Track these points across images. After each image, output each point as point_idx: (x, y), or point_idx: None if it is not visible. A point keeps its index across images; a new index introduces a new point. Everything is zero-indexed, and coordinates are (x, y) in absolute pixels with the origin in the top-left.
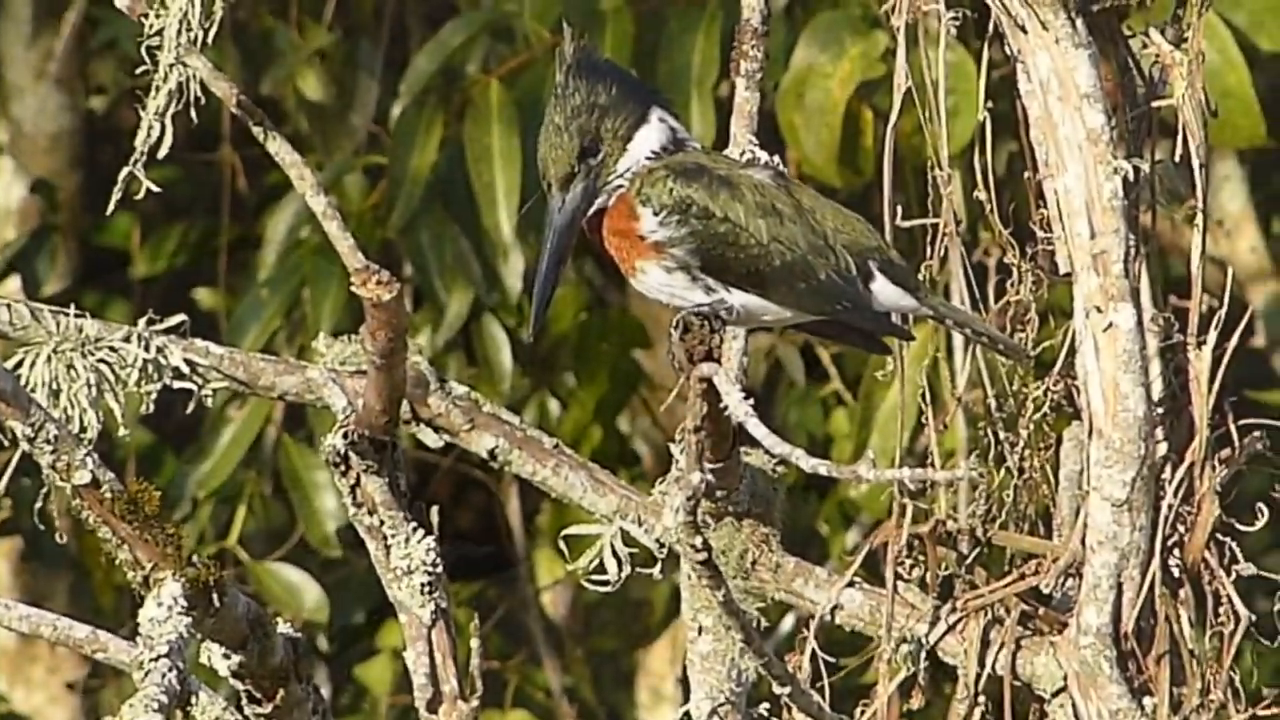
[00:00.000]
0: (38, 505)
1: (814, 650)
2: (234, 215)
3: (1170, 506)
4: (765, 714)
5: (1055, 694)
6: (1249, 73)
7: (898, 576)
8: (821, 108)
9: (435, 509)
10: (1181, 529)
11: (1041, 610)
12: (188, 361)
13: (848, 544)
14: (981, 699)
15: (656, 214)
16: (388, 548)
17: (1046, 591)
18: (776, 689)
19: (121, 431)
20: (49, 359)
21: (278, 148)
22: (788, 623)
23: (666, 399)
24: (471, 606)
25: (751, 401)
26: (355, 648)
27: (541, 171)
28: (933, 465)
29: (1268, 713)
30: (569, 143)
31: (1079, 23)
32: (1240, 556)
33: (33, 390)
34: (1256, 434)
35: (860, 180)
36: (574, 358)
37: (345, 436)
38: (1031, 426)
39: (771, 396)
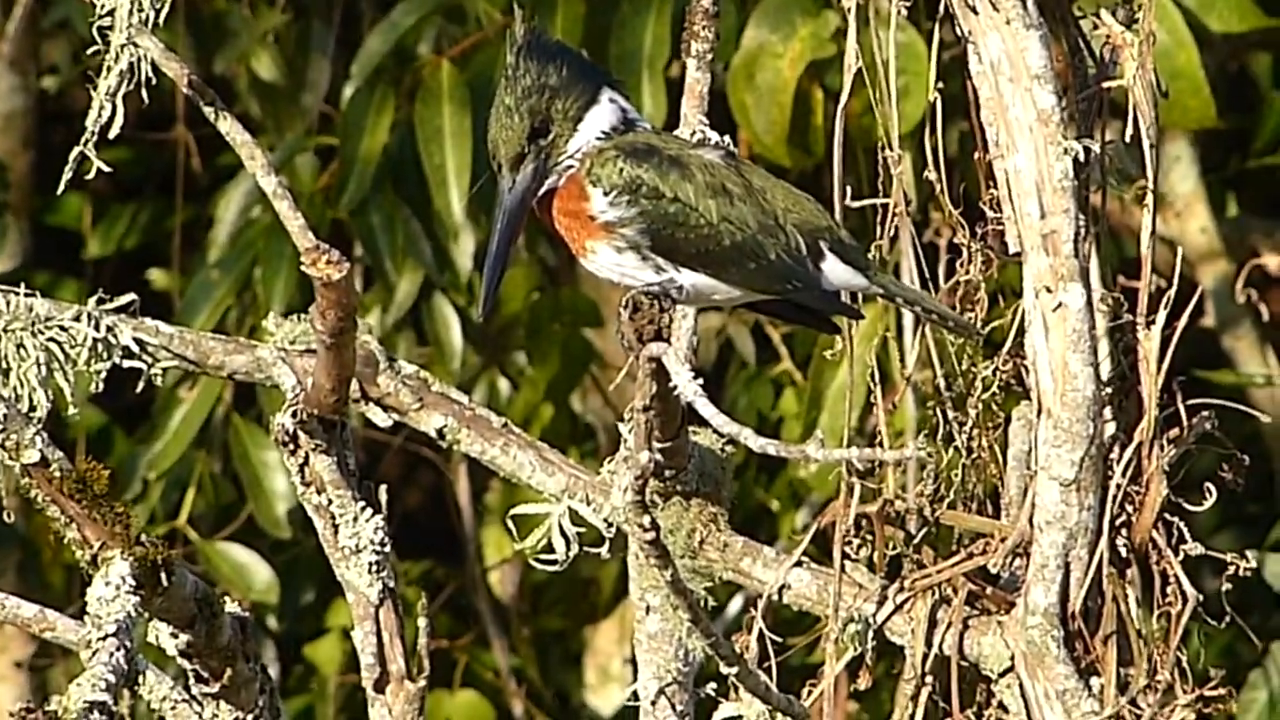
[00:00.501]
0: None
1: (761, 630)
2: (187, 195)
3: (1118, 486)
4: (713, 693)
5: (1002, 674)
6: (1199, 54)
7: (845, 556)
8: (772, 87)
9: (384, 488)
10: (1130, 509)
11: (989, 590)
12: (137, 340)
13: (797, 524)
14: (929, 679)
15: (606, 194)
16: (336, 527)
17: (994, 571)
18: (724, 668)
19: (71, 410)
20: None
21: (229, 128)
22: (735, 603)
23: (617, 378)
24: (419, 585)
25: (700, 381)
26: (304, 627)
27: (492, 152)
28: (881, 445)
29: (1214, 693)
30: (519, 123)
31: (1030, 3)
32: (1188, 536)
33: None
34: (1205, 414)
35: (811, 160)
36: (525, 337)
37: (294, 415)
38: (980, 406)
39: (722, 376)
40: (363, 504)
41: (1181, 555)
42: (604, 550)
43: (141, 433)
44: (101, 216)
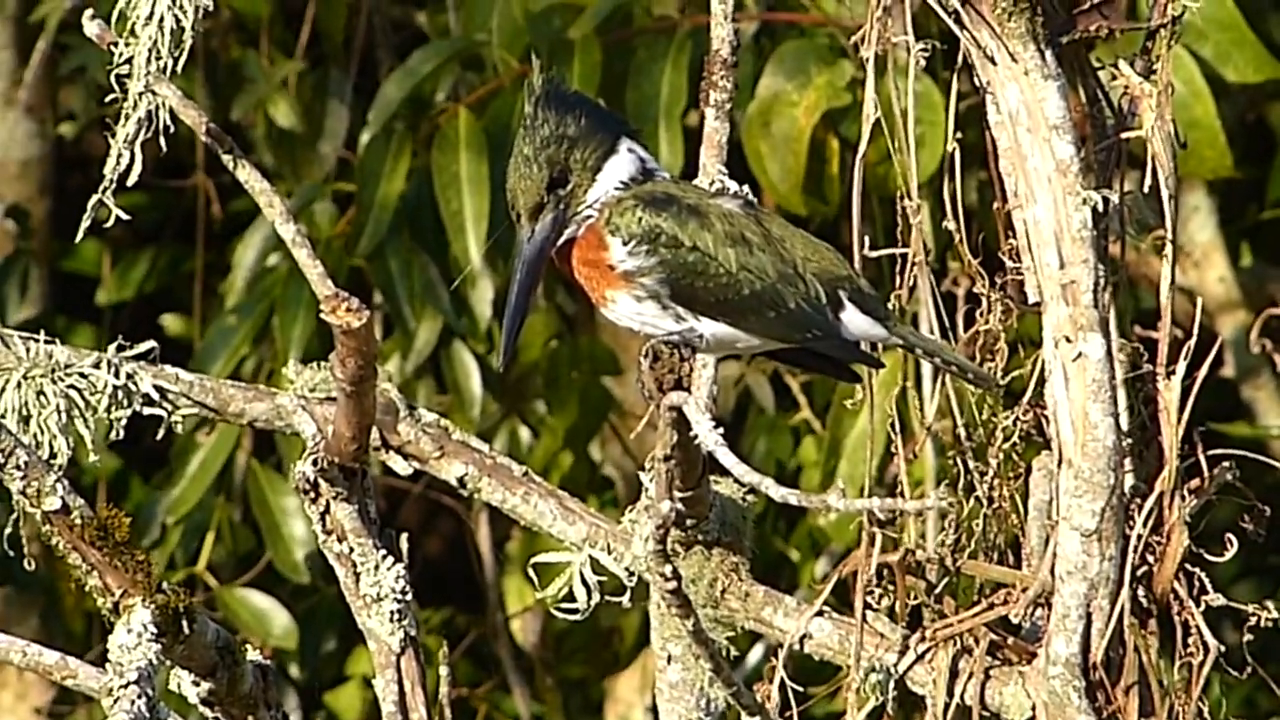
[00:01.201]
0: (8, 531)
1: (783, 679)
2: (204, 242)
3: (1139, 536)
4: None
5: None
6: (1216, 104)
7: (867, 606)
8: (787, 136)
9: (405, 536)
10: (1151, 559)
11: (1010, 640)
12: (157, 388)
13: (817, 572)
14: None
15: (625, 244)
16: (357, 575)
17: (1015, 621)
18: (746, 718)
19: (91, 457)
20: (19, 385)
21: (247, 175)
22: (757, 652)
23: (637, 427)
24: (441, 634)
25: (721, 430)
26: (324, 674)
27: (510, 202)
28: (902, 494)
29: None
30: (538, 173)
31: (1048, 54)
32: (1209, 587)
33: (2, 416)
34: (1226, 464)
35: (826, 209)
36: (544, 385)
37: (315, 463)
38: (1001, 456)
39: (740, 425)
40: (384, 552)
41: (1203, 606)
42: (625, 599)
43: (159, 478)
44: (118, 262)
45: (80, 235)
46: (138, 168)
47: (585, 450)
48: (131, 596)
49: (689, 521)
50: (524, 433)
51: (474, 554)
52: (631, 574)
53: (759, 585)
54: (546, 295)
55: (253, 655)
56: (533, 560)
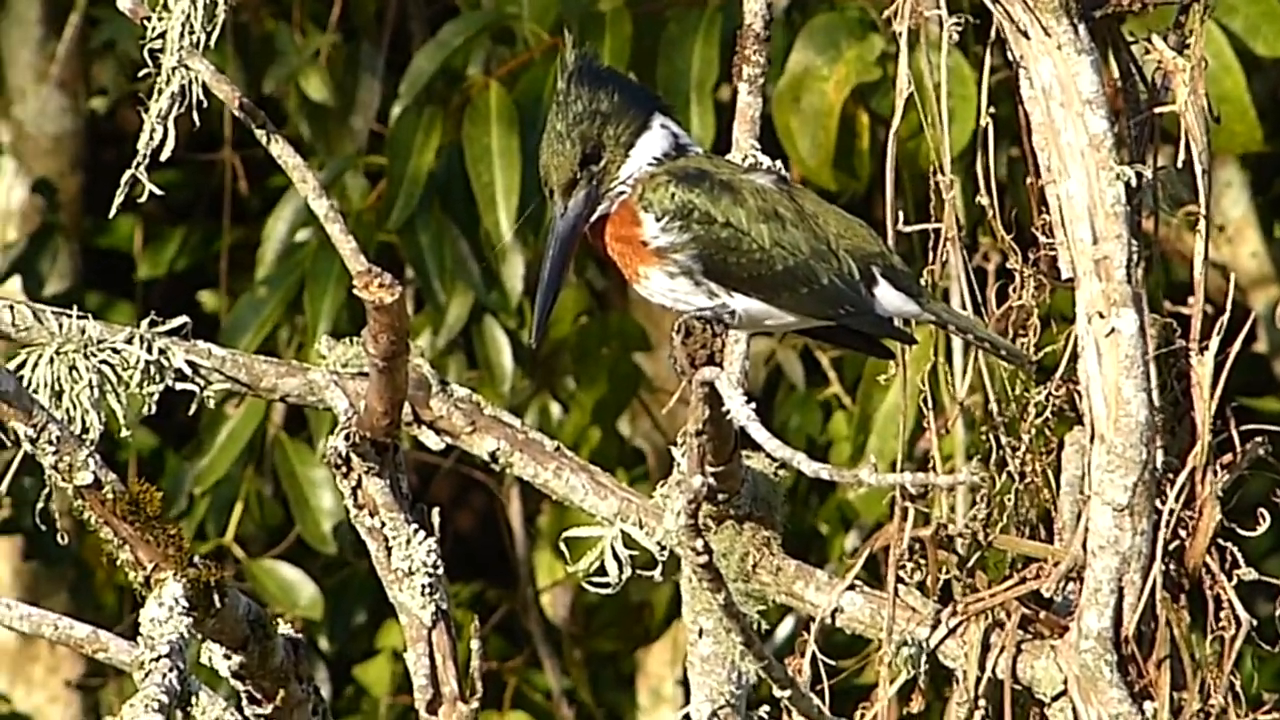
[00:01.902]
0: (39, 505)
1: (814, 653)
2: (236, 217)
3: (1172, 511)
4: (765, 716)
5: (1055, 698)
6: (1246, 78)
7: (898, 580)
8: (817, 111)
9: (436, 510)
10: (1183, 534)
11: (1042, 614)
12: (190, 363)
13: (847, 546)
14: (981, 703)
15: (659, 220)
16: (389, 549)
17: (1047, 595)
18: (776, 692)
19: (123, 433)
20: (51, 360)
21: (280, 150)
22: (787, 625)
23: (667, 402)
24: (471, 608)
25: (753, 405)
26: (354, 648)
27: (544, 179)
28: (933, 469)
29: (1268, 717)
30: (571, 150)
31: (1081, 29)
32: (1241, 561)
33: (35, 391)
34: (1258, 439)
35: (856, 184)
36: (573, 360)
37: (347, 439)
38: (1033, 431)
39: (771, 400)
40: (415, 526)
41: (1235, 580)
42: (657, 573)
43: (188, 449)
44: (151, 238)
45: (114, 211)
46: (170, 143)
47: (614, 425)
48: (163, 570)
49: (720, 496)
50: (555, 408)
51: (505, 529)
52: (663, 548)
53: (790, 559)
54: (577, 271)
55: (284, 628)
56: (564, 535)
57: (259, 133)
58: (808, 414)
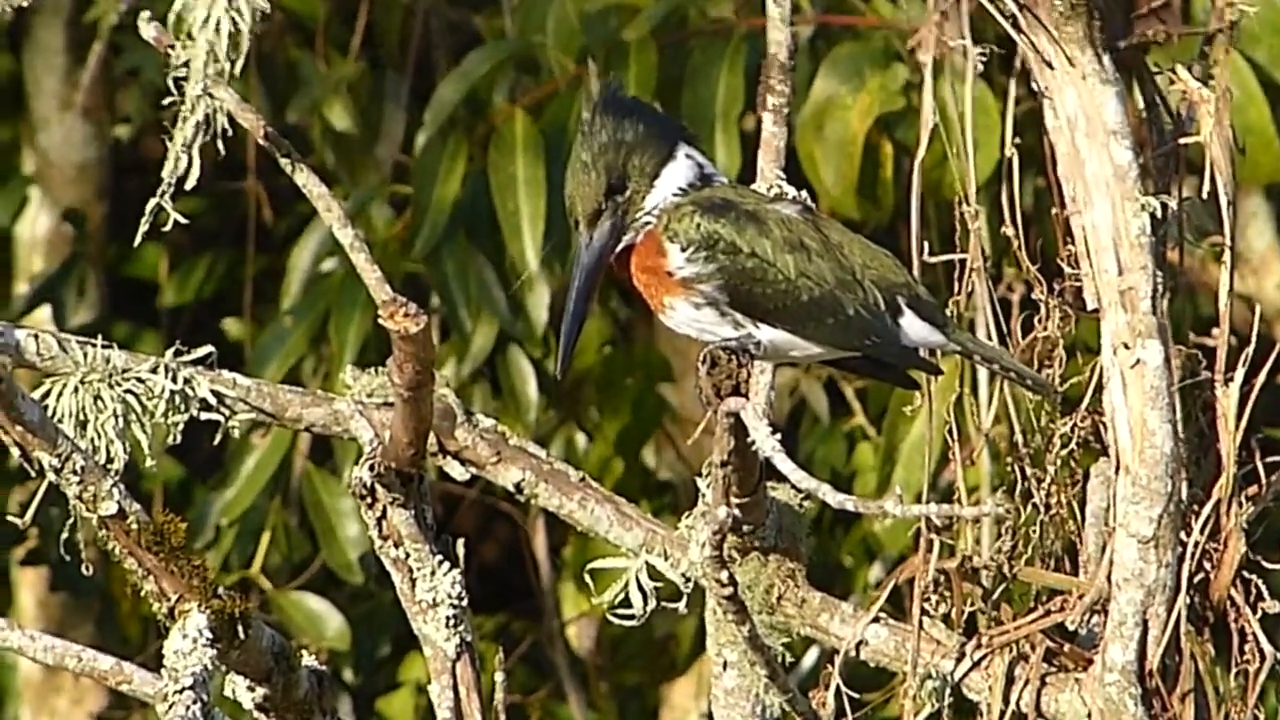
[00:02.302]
0: (64, 536)
1: (839, 686)
2: (260, 246)
3: (1196, 543)
4: None
5: None
6: (1270, 109)
7: (923, 612)
8: (840, 140)
9: (461, 541)
10: (1207, 566)
11: (1066, 647)
12: (215, 393)
13: (871, 579)
14: None
15: (684, 250)
16: (413, 580)
17: (1072, 628)
18: None
19: (148, 463)
20: (76, 389)
21: (305, 179)
22: (811, 657)
23: (692, 433)
24: (495, 640)
25: (778, 436)
26: (378, 680)
27: (569, 209)
28: (959, 501)
29: None
30: (596, 180)
31: (1106, 59)
32: (1266, 594)
33: (60, 421)
34: None
35: (880, 214)
36: (597, 390)
37: (372, 469)
38: (1058, 462)
39: (795, 431)
40: (440, 557)
41: (1260, 613)
42: (681, 605)
43: (214, 480)
44: (177, 267)
45: (139, 239)
46: (195, 171)
47: (638, 456)
48: (187, 601)
49: (745, 527)
50: (580, 439)
51: (530, 560)
52: (688, 580)
53: (815, 592)
54: (601, 301)
55: (308, 660)
56: (589, 566)
57: (284, 162)
58: (832, 445)
